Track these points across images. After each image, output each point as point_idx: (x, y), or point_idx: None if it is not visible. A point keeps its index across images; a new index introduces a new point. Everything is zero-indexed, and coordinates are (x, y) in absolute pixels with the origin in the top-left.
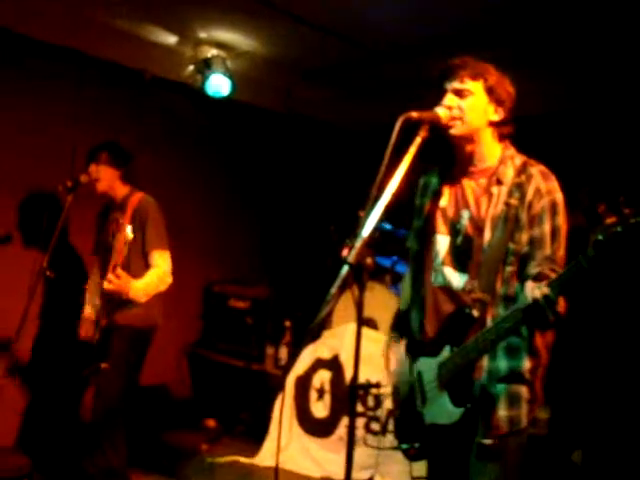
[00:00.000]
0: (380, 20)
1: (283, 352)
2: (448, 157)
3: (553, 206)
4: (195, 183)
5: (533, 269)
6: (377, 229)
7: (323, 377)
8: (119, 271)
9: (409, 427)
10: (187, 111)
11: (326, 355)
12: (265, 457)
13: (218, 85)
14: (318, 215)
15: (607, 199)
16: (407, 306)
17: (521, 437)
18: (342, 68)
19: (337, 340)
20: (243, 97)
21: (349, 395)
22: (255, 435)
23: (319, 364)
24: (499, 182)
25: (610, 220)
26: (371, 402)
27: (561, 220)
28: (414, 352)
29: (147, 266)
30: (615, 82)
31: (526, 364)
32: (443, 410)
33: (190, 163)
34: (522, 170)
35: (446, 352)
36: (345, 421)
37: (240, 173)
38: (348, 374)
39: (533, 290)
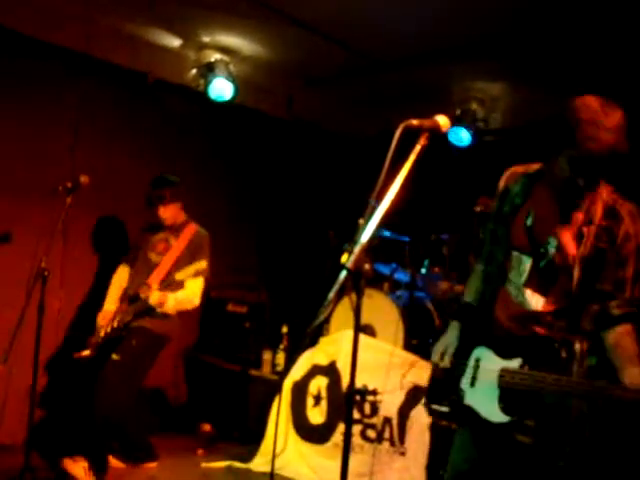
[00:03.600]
0: (383, 29)
1: (280, 357)
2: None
3: (639, 249)
4: (195, 186)
5: (615, 309)
6: (376, 236)
7: (320, 383)
8: (168, 295)
9: (442, 393)
10: (189, 114)
11: (323, 361)
12: (260, 462)
13: (221, 89)
14: (317, 220)
15: None
16: (476, 301)
17: None
18: (344, 75)
19: (334, 346)
20: (245, 102)
21: (346, 401)
22: (251, 440)
23: (316, 370)
24: (590, 222)
25: None
26: (367, 409)
27: None
28: (478, 338)
29: (181, 285)
30: (617, 88)
31: None
32: (488, 404)
33: (190, 166)
34: (611, 209)
35: (515, 363)
36: (341, 428)
37: (241, 177)
38: (345, 381)
39: None
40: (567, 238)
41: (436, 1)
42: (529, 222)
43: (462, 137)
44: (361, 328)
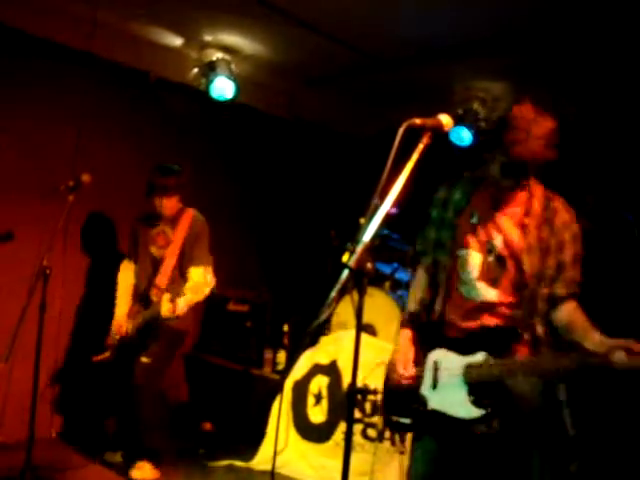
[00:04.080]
0: (384, 29)
1: (282, 356)
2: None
3: (574, 236)
4: (196, 185)
5: (560, 289)
6: (378, 235)
7: (321, 382)
8: (177, 301)
9: (402, 404)
10: (191, 113)
11: (324, 360)
12: (261, 461)
13: (222, 88)
14: (318, 220)
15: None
16: (421, 309)
17: None
18: (346, 75)
19: (335, 346)
20: (247, 101)
21: (347, 399)
22: (252, 439)
23: (317, 369)
24: (528, 214)
25: None
26: (368, 408)
27: (579, 247)
28: (432, 343)
29: (184, 275)
30: (618, 89)
31: None
32: (456, 403)
33: (191, 165)
34: (547, 203)
35: (479, 357)
36: (342, 427)
37: (242, 176)
38: (346, 380)
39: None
40: (511, 231)
41: (437, 0)
42: (474, 220)
43: (463, 137)
44: (362, 327)
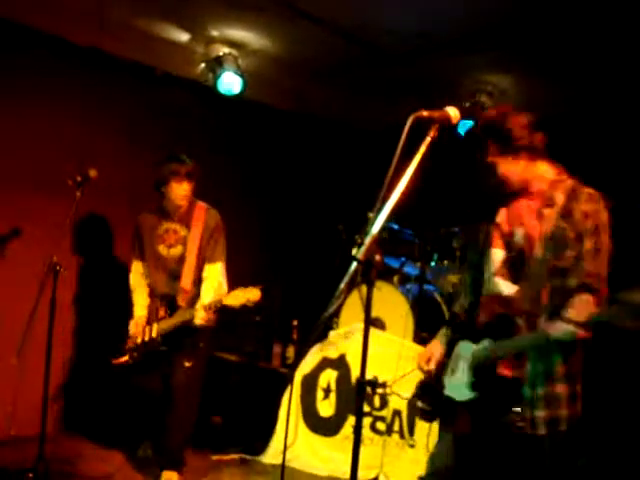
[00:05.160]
0: (391, 21)
1: (291, 351)
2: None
3: (596, 227)
4: (203, 180)
5: (572, 281)
6: (385, 228)
7: (330, 376)
8: (210, 306)
9: (429, 391)
10: (198, 108)
11: (333, 354)
12: (271, 455)
13: (229, 83)
14: (326, 214)
15: None
16: (463, 309)
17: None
18: (353, 68)
19: (344, 340)
20: (254, 95)
21: (357, 391)
22: (261, 433)
23: (325, 363)
24: (550, 205)
25: None
26: (377, 402)
27: (603, 239)
28: (460, 336)
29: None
30: (627, 81)
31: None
32: (459, 387)
33: (199, 160)
34: (572, 194)
35: (485, 342)
36: (351, 420)
37: (249, 171)
38: (354, 374)
39: (566, 327)
40: (531, 222)
41: None
42: (498, 220)
43: None
44: (371, 321)
